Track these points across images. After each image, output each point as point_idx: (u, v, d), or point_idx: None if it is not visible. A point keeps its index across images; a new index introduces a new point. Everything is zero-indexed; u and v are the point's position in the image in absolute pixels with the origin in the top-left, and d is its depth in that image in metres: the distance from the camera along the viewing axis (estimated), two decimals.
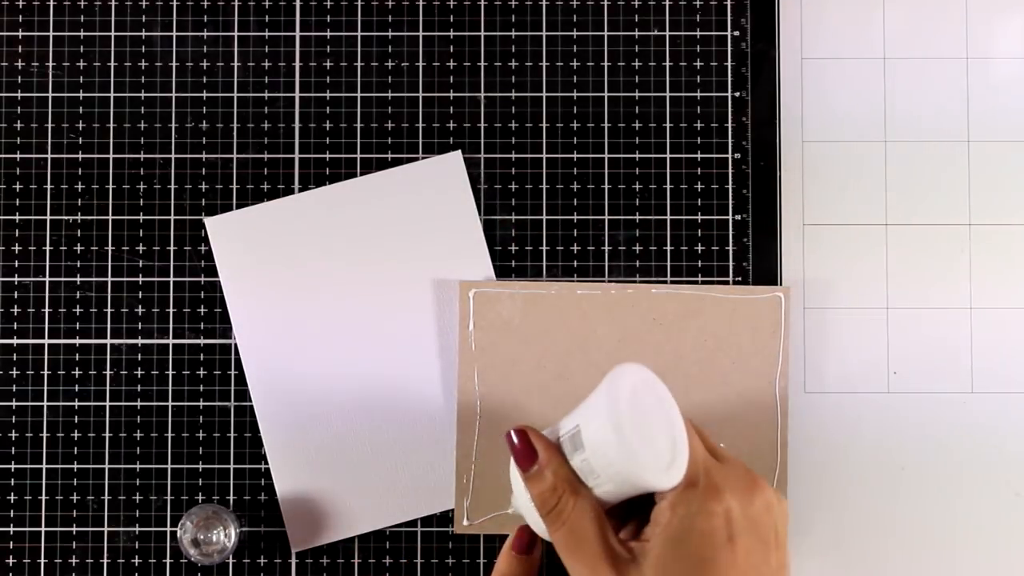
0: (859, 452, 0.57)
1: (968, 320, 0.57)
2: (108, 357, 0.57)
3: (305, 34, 0.58)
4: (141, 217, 0.57)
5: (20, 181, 0.57)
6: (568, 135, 0.58)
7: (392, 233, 0.57)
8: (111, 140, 0.57)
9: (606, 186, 0.57)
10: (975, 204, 0.58)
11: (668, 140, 0.57)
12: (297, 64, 0.58)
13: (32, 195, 0.57)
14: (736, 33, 0.58)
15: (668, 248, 0.57)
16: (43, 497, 0.56)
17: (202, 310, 0.57)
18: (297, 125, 0.58)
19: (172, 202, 0.57)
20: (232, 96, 0.58)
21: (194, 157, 0.57)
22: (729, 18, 0.58)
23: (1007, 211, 0.58)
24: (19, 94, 0.58)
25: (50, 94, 0.58)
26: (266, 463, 0.56)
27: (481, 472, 0.56)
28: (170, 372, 0.57)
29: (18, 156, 0.57)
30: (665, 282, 0.57)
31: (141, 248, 0.57)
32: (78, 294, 0.57)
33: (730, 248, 0.57)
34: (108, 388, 0.57)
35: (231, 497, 0.56)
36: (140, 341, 0.57)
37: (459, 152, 0.57)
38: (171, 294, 0.57)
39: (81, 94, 0.58)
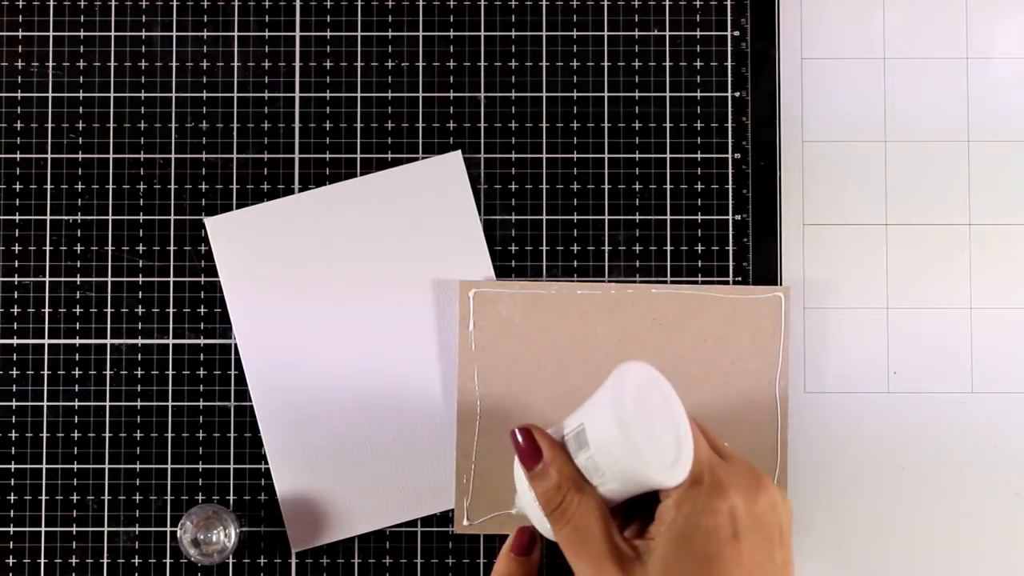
0: (859, 452, 0.57)
1: (968, 320, 0.57)
2: (108, 357, 0.57)
3: (305, 34, 0.58)
4: (141, 217, 0.57)
5: (20, 181, 0.57)
6: (568, 135, 0.58)
7: (392, 233, 0.57)
8: (111, 140, 0.57)
9: (606, 186, 0.57)
10: (975, 204, 0.58)
11: (668, 140, 0.57)
12: (297, 64, 0.58)
13: (32, 195, 0.57)
14: (736, 33, 0.58)
15: (668, 248, 0.57)
16: (43, 497, 0.56)
17: (202, 310, 0.57)
18: (297, 125, 0.58)
19: (172, 202, 0.57)
20: (232, 96, 0.58)
21: (194, 157, 0.57)
22: (729, 18, 0.58)
23: (1007, 211, 0.58)
24: (19, 94, 0.58)
25: (50, 94, 0.58)
26: (266, 463, 0.56)
27: (481, 472, 0.56)
28: (170, 372, 0.57)
29: (18, 156, 0.57)
30: (665, 282, 0.57)
31: (141, 248, 0.57)
32: (78, 294, 0.57)
33: (730, 248, 0.57)
34: (108, 388, 0.57)
35: (231, 497, 0.56)
36: (140, 341, 0.57)
37: (459, 152, 0.57)
38: (171, 294, 0.57)
39: (81, 94, 0.58)
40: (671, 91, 0.58)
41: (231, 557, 0.56)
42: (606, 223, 0.57)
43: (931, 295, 0.57)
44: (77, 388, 0.57)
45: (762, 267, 0.57)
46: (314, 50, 0.58)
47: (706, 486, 0.42)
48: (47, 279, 0.57)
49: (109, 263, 0.57)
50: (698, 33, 0.58)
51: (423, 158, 0.57)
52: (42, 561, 0.56)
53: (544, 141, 0.58)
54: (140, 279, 0.57)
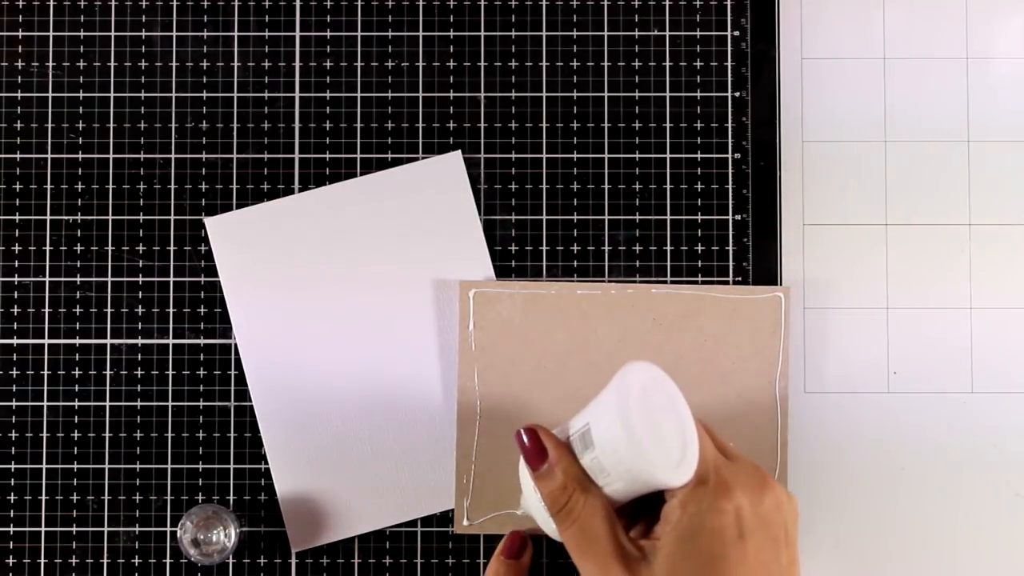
0: (859, 452, 0.57)
1: (968, 320, 0.57)
2: (108, 357, 0.57)
3: (305, 34, 0.58)
4: (141, 217, 0.57)
5: (20, 181, 0.57)
6: (568, 135, 0.58)
7: (392, 233, 0.57)
8: (111, 140, 0.57)
9: (606, 186, 0.57)
10: (975, 204, 0.58)
11: (668, 140, 0.57)
12: (297, 64, 0.58)
13: (32, 195, 0.57)
14: (736, 33, 0.58)
15: (668, 248, 0.57)
16: (43, 497, 0.56)
17: (202, 310, 0.57)
18: (297, 125, 0.58)
19: (172, 202, 0.57)
20: (232, 96, 0.58)
21: (194, 157, 0.57)
22: (729, 18, 0.58)
23: (1007, 211, 0.58)
24: (19, 94, 0.58)
25: (50, 94, 0.58)
26: (266, 463, 0.56)
27: (481, 472, 0.56)
28: (170, 372, 0.57)
29: (18, 156, 0.57)
30: (665, 282, 0.57)
31: (141, 248, 0.57)
32: (78, 294, 0.57)
33: (730, 248, 0.57)
34: (108, 388, 0.57)
35: (231, 497, 0.56)
36: (140, 341, 0.57)
37: (459, 152, 0.57)
38: (171, 294, 0.57)
39: (81, 94, 0.58)
40: (671, 91, 0.58)
41: (231, 557, 0.56)
42: (606, 223, 0.57)
43: (931, 295, 0.57)
44: (77, 388, 0.57)
45: (762, 267, 0.57)
46: (314, 50, 0.58)
47: (711, 486, 0.42)
48: (47, 279, 0.57)
49: (109, 263, 0.57)
50: (698, 33, 0.58)
51: (423, 158, 0.57)
52: (42, 561, 0.56)
53: (544, 141, 0.58)
54: (140, 279, 0.57)
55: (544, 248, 0.57)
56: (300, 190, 0.57)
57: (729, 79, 0.58)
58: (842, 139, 0.58)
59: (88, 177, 0.57)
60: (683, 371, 0.55)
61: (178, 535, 0.54)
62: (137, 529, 0.56)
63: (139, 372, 0.57)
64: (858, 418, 0.57)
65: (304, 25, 0.58)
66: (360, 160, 0.57)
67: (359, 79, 0.58)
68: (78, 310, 0.57)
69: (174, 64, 0.58)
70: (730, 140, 0.58)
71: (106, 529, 0.56)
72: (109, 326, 0.57)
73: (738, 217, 0.57)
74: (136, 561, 0.56)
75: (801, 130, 0.58)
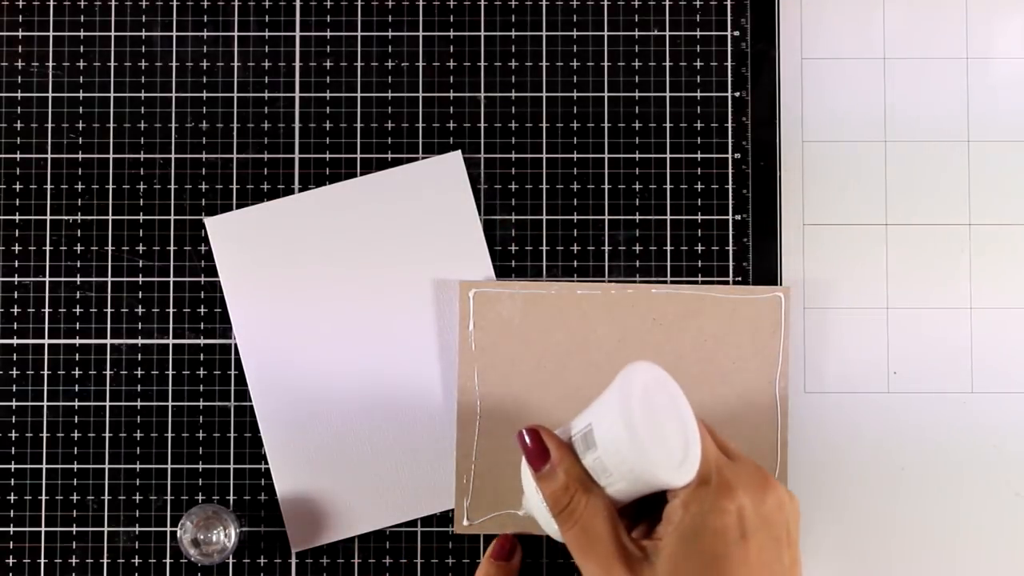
0: (859, 452, 0.57)
1: (968, 320, 0.57)
2: (108, 357, 0.57)
3: (305, 34, 0.58)
4: (141, 217, 0.57)
5: (20, 181, 0.57)
6: (568, 135, 0.58)
7: (392, 233, 0.57)
8: (111, 140, 0.57)
9: (606, 186, 0.57)
10: (975, 204, 0.58)
11: (668, 140, 0.57)
12: (297, 64, 0.58)
13: (32, 195, 0.57)
14: (736, 33, 0.58)
15: (668, 248, 0.57)
16: (43, 497, 0.56)
17: (202, 310, 0.57)
18: (297, 125, 0.58)
19: (172, 202, 0.57)
20: (232, 96, 0.58)
21: (194, 157, 0.57)
22: (729, 18, 0.58)
23: (1007, 211, 0.58)
24: (19, 94, 0.58)
25: (50, 94, 0.58)
26: (266, 463, 0.56)
27: (481, 472, 0.56)
28: (170, 372, 0.57)
29: (18, 156, 0.57)
30: (665, 282, 0.57)
31: (141, 248, 0.57)
32: (78, 294, 0.57)
33: (730, 248, 0.57)
34: (108, 388, 0.57)
35: (231, 497, 0.56)
36: (140, 341, 0.57)
37: (459, 152, 0.57)
38: (171, 294, 0.57)
39: (81, 94, 0.58)
40: (671, 91, 0.58)
41: (231, 557, 0.56)
42: (606, 223, 0.57)
43: (931, 295, 0.57)
44: (77, 388, 0.57)
45: (762, 267, 0.57)
46: (314, 50, 0.58)
47: (714, 486, 0.42)
48: (47, 279, 0.57)
49: (109, 263, 0.57)
50: (698, 33, 0.58)
51: (423, 158, 0.57)
52: (42, 561, 0.56)
53: (544, 141, 0.58)
54: (140, 279, 0.57)
55: (544, 248, 0.57)
56: (300, 190, 0.57)
57: (729, 79, 0.58)
58: (842, 139, 0.58)
59: (88, 177, 0.57)
60: (683, 371, 0.55)
61: (178, 535, 0.54)
62: (137, 529, 0.56)
63: (139, 372, 0.57)
64: (858, 418, 0.57)
65: (304, 25, 0.58)
66: (360, 160, 0.57)
67: (359, 79, 0.58)
68: (78, 310, 0.57)
69: (174, 64, 0.58)
70: (730, 140, 0.58)
71: (106, 529, 0.56)
72: (109, 326, 0.57)
73: (738, 217, 0.57)
74: (136, 561, 0.56)
75: (801, 130, 0.58)
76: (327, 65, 0.58)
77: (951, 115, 0.58)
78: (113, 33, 0.58)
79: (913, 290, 0.57)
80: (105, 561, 0.56)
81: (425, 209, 0.57)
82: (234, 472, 0.56)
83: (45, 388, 0.57)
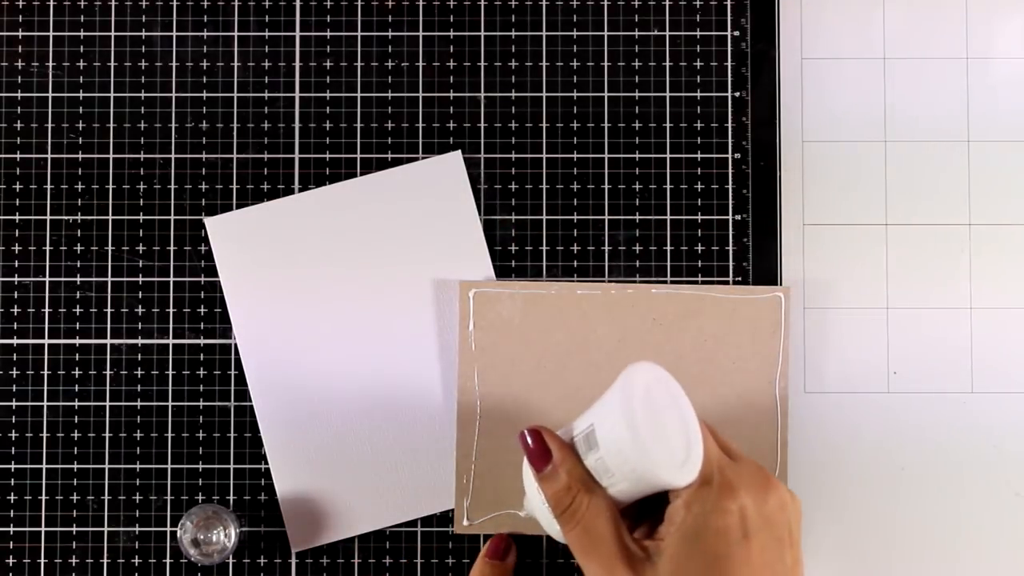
0: (859, 452, 0.57)
1: (968, 320, 0.57)
2: (108, 357, 0.57)
3: (305, 34, 0.58)
4: (141, 217, 0.57)
5: (20, 181, 0.57)
6: (568, 135, 0.58)
7: (392, 233, 0.57)
8: (111, 140, 0.57)
9: (606, 186, 0.57)
10: (975, 204, 0.58)
11: (668, 140, 0.57)
12: (297, 64, 0.58)
13: (32, 195, 0.57)
14: (736, 33, 0.58)
15: (668, 248, 0.57)
16: (43, 497, 0.56)
17: (202, 310, 0.57)
18: (297, 125, 0.58)
19: (172, 202, 0.57)
20: (232, 96, 0.58)
21: (194, 157, 0.57)
22: (729, 18, 0.58)
23: (1007, 211, 0.58)
24: (19, 94, 0.58)
25: (50, 94, 0.58)
26: (266, 463, 0.56)
27: (481, 472, 0.56)
28: (170, 372, 0.57)
29: (18, 156, 0.57)
30: (665, 282, 0.57)
31: (141, 248, 0.57)
32: (78, 294, 0.57)
33: (730, 248, 0.57)
34: (108, 388, 0.57)
35: (231, 497, 0.56)
36: (140, 341, 0.57)
37: (459, 152, 0.57)
38: (171, 294, 0.57)
39: (81, 94, 0.58)
40: (671, 91, 0.58)
41: (231, 557, 0.56)
42: (606, 223, 0.57)
43: (931, 295, 0.57)
44: (77, 388, 0.57)
45: (762, 267, 0.57)
46: (314, 50, 0.58)
47: (716, 486, 0.42)
48: (47, 279, 0.57)
49: (109, 263, 0.57)
50: (698, 33, 0.58)
51: (423, 158, 0.57)
52: (42, 561, 0.56)
53: (544, 141, 0.58)
54: (140, 279, 0.57)
55: (544, 248, 0.57)
56: (300, 190, 0.57)
57: (729, 79, 0.58)
58: (842, 139, 0.58)
59: (88, 177, 0.57)
60: (683, 371, 0.55)
61: (178, 535, 0.54)
62: (137, 529, 0.56)
63: (139, 372, 0.57)
64: (858, 418, 0.57)
65: (304, 25, 0.58)
66: (360, 160, 0.57)
67: (359, 79, 0.58)
68: (78, 310, 0.57)
69: (174, 64, 0.58)
70: (730, 140, 0.58)
71: (106, 529, 0.56)
72: (109, 326, 0.57)
73: (738, 217, 0.57)
74: (136, 561, 0.56)
75: (801, 130, 0.58)
76: (327, 65, 0.58)
77: (951, 115, 0.58)
78: (113, 33, 0.58)
79: (913, 290, 0.57)
80: (105, 561, 0.56)
81: (425, 209, 0.57)
82: (234, 472, 0.56)
83: (45, 388, 0.57)
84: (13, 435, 0.56)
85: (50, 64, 0.58)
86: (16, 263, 0.57)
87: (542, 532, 0.48)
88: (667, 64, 0.58)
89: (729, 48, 0.58)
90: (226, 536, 0.54)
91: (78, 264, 0.57)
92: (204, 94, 0.58)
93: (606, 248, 0.57)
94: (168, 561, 0.56)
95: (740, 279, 0.57)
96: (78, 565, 0.56)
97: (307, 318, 0.56)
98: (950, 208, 0.58)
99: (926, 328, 0.57)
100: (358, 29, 0.58)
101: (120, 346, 0.57)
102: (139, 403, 0.57)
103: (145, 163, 0.57)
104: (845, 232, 0.58)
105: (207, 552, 0.54)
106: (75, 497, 0.56)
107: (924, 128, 0.58)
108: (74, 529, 0.56)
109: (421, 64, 0.58)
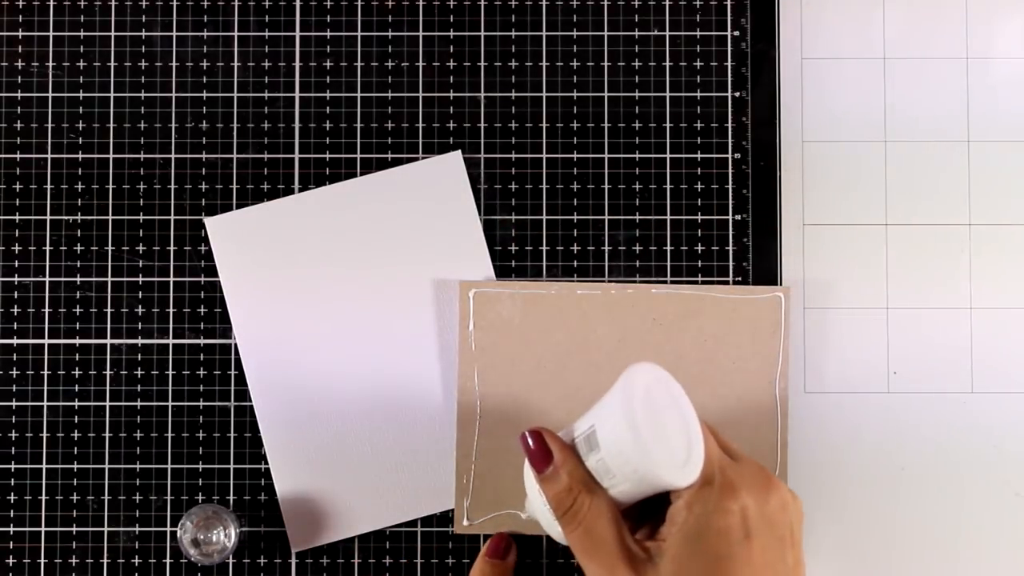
0: (859, 452, 0.57)
1: (968, 320, 0.57)
2: (108, 357, 0.57)
3: (305, 34, 0.58)
4: (141, 217, 0.57)
5: (20, 181, 0.57)
6: (568, 135, 0.58)
7: (392, 233, 0.57)
8: (111, 140, 0.57)
9: (606, 186, 0.57)
10: (975, 204, 0.58)
11: (668, 140, 0.57)
12: (297, 64, 0.58)
13: (32, 195, 0.57)
14: (736, 33, 0.58)
15: (668, 248, 0.57)
16: (43, 497, 0.56)
17: (202, 310, 0.57)
18: (297, 125, 0.58)
19: (172, 202, 0.57)
20: (232, 96, 0.58)
21: (194, 157, 0.57)
22: (729, 18, 0.58)
23: (1007, 211, 0.58)
24: (19, 94, 0.58)
25: (50, 94, 0.58)
26: (266, 463, 0.56)
27: (481, 472, 0.56)
28: (170, 372, 0.57)
29: (18, 156, 0.57)
30: (665, 282, 0.57)
31: (141, 248, 0.57)
32: (78, 294, 0.57)
33: (730, 248, 0.57)
34: (108, 388, 0.57)
35: (231, 497, 0.56)
36: (140, 341, 0.57)
37: (459, 152, 0.57)
38: (171, 294, 0.57)
39: (81, 94, 0.58)
40: (671, 91, 0.58)
41: (231, 557, 0.56)
42: (606, 223, 0.57)
43: (931, 295, 0.57)
44: (77, 388, 0.57)
45: (762, 267, 0.57)
46: (314, 50, 0.58)
47: (717, 486, 0.42)
48: (47, 279, 0.57)
49: (109, 263, 0.57)
50: (698, 33, 0.58)
51: (423, 158, 0.57)
52: (42, 561, 0.56)
53: (544, 141, 0.58)
54: (140, 279, 0.57)
55: (544, 248, 0.57)
56: (300, 190, 0.57)
57: (729, 79, 0.58)
58: (842, 139, 0.58)
59: (88, 177, 0.57)
60: (683, 371, 0.55)
61: (178, 535, 0.54)
62: (137, 529, 0.56)
63: (139, 372, 0.57)
64: (858, 418, 0.57)
65: (304, 25, 0.58)
66: (360, 160, 0.57)
67: (359, 79, 0.58)
68: (78, 310, 0.57)
69: (174, 64, 0.58)
70: (730, 140, 0.58)
71: (106, 529, 0.56)
72: (109, 326, 0.57)
73: (738, 217, 0.57)
74: (136, 561, 0.56)
75: (801, 130, 0.58)
76: (327, 65, 0.58)
77: (951, 115, 0.58)
78: (113, 33, 0.58)
79: (913, 290, 0.57)
80: (105, 561, 0.56)
81: (425, 209, 0.57)
82: (234, 472, 0.56)
83: (45, 388, 0.57)
84: (13, 435, 0.56)
85: (50, 64, 0.58)
86: (16, 263, 0.57)
87: (542, 532, 0.48)
88: (667, 64, 0.58)
89: (729, 48, 0.58)
90: (226, 536, 0.54)
91: (78, 264, 0.57)
92: (204, 94, 0.58)
93: (606, 248, 0.57)
94: (168, 561, 0.56)
95: (740, 279, 0.57)
96: (78, 565, 0.56)
97: (307, 318, 0.56)
98: (950, 208, 0.58)
99: (926, 328, 0.57)
100: (358, 29, 0.58)
101: (120, 346, 0.57)
102: (139, 403, 0.57)
103: (145, 163, 0.57)
104: (845, 232, 0.58)
105: (207, 552, 0.54)
106: (75, 497, 0.56)
107: (924, 128, 0.58)
108: (74, 529, 0.56)
109: (421, 64, 0.58)
